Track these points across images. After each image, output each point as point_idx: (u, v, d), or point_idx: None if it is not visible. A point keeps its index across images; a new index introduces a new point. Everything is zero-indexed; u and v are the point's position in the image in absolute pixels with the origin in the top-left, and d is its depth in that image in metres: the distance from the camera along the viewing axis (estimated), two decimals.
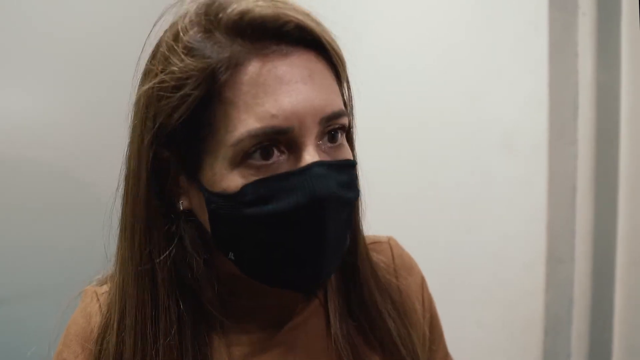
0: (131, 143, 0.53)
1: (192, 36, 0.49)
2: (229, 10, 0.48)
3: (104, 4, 1.48)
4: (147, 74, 0.52)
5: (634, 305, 1.08)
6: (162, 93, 0.49)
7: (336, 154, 0.52)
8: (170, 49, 0.50)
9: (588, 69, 1.11)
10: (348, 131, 0.56)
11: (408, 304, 0.65)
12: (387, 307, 0.62)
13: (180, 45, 0.49)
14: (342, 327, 0.59)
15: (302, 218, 0.48)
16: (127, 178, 0.54)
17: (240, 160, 0.48)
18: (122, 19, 1.47)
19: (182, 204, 0.53)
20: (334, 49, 0.52)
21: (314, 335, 0.59)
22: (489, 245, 1.22)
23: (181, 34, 0.49)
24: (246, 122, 0.47)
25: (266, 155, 0.48)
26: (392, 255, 0.68)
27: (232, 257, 0.52)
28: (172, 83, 0.48)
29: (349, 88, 0.57)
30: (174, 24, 0.51)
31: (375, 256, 0.65)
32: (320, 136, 0.50)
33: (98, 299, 0.59)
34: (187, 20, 0.50)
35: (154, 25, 0.53)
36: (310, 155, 0.48)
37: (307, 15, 0.50)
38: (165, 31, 0.52)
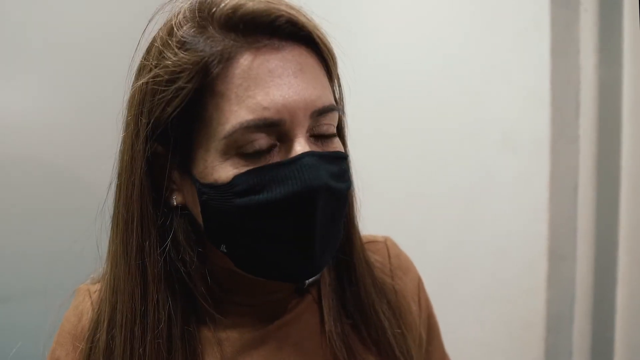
0: (125, 138, 0.54)
1: (186, 31, 0.50)
2: (222, 5, 0.49)
3: (104, 4, 1.49)
4: (141, 70, 0.53)
5: (636, 303, 1.08)
6: (156, 87, 0.50)
7: (327, 148, 0.52)
8: (165, 44, 0.50)
9: (590, 65, 1.10)
10: (340, 127, 0.56)
11: (403, 305, 0.65)
12: (382, 307, 0.62)
13: (174, 40, 0.50)
14: (337, 325, 0.59)
15: (292, 208, 0.48)
16: (121, 173, 0.54)
17: (232, 151, 0.48)
18: (122, 19, 1.46)
19: (176, 200, 0.54)
20: (325, 44, 0.53)
21: (307, 332, 0.59)
22: (490, 243, 1.21)
23: (175, 29, 0.50)
24: (238, 114, 0.47)
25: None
26: (389, 255, 0.68)
27: (224, 250, 0.52)
28: (166, 77, 0.49)
29: (339, 85, 0.57)
30: (168, 21, 0.52)
31: (371, 255, 0.65)
32: (311, 130, 0.50)
33: (90, 297, 0.60)
34: (181, 16, 0.51)
35: (148, 23, 0.54)
36: (301, 146, 0.48)
37: (299, 10, 0.51)
38: (160, 28, 0.53)
